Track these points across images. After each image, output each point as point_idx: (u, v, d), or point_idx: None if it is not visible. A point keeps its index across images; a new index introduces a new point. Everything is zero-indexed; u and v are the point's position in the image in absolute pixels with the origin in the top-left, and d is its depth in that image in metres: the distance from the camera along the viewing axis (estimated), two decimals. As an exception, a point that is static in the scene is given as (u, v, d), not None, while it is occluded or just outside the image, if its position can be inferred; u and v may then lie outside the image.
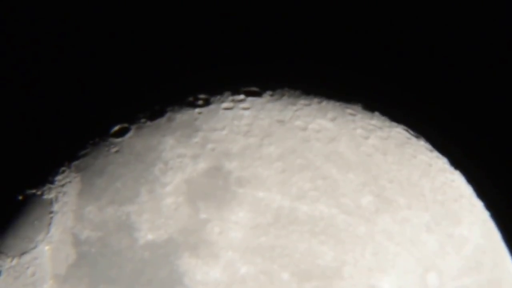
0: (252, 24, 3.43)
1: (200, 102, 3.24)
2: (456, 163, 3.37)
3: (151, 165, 3.06)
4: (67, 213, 3.03)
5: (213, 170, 3.04)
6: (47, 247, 3.01)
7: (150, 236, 2.91)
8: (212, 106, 3.23)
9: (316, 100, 3.32)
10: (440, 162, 3.36)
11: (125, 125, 3.20)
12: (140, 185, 3.02)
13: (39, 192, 3.13)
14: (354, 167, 3.10)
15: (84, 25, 3.37)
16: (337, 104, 3.33)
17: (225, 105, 3.25)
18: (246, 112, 3.22)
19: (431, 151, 3.38)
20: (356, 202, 3.01)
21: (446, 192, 3.24)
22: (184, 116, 3.20)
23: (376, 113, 3.39)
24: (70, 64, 3.29)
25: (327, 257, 2.88)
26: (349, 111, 3.34)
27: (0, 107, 3.24)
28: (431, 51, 3.77)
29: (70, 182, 3.11)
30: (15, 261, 3.05)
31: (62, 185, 3.11)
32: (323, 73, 3.38)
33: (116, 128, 3.20)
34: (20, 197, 3.14)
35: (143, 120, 3.19)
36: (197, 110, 3.22)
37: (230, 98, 3.26)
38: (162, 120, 3.19)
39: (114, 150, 3.14)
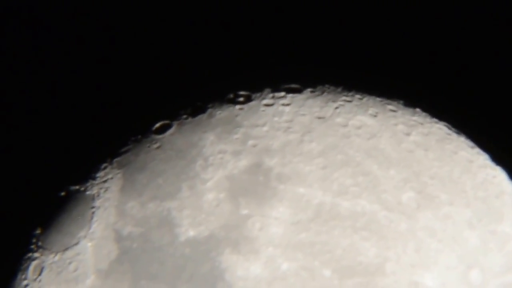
0: (293, 22, 3.44)
1: (241, 98, 3.26)
2: (498, 159, 3.34)
3: (192, 161, 3.08)
4: (109, 209, 3.06)
5: (254, 166, 3.04)
6: (89, 243, 3.04)
7: (191, 232, 2.93)
8: (252, 103, 3.25)
9: (357, 96, 3.32)
10: (481, 158, 3.34)
11: (167, 121, 3.22)
12: (181, 181, 3.04)
13: (81, 188, 3.17)
14: (395, 163, 3.09)
15: (127, 26, 3.40)
16: (378, 100, 3.33)
17: (265, 101, 3.26)
18: (287, 109, 3.22)
19: (472, 147, 3.36)
20: (398, 198, 3.00)
21: (488, 188, 3.21)
22: (225, 112, 3.22)
23: (417, 109, 3.38)
24: (112, 62, 3.33)
25: (369, 253, 2.87)
26: (390, 107, 3.33)
27: (44, 106, 3.28)
28: (473, 48, 3.75)
29: (112, 178, 3.14)
30: (58, 257, 3.08)
31: (104, 181, 3.14)
32: (364, 69, 3.38)
33: (158, 124, 3.23)
34: (63, 193, 3.18)
35: (184, 116, 3.21)
36: (238, 106, 3.24)
37: (271, 94, 3.27)
38: (203, 117, 3.22)
39: (155, 146, 3.17)
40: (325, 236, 2.88)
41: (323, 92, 3.30)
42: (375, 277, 2.83)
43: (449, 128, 3.39)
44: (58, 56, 3.41)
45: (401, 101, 3.36)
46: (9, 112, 3.41)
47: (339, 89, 3.32)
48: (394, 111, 3.33)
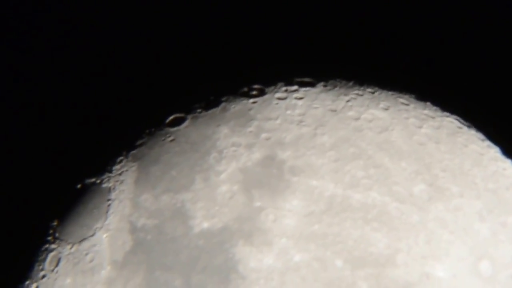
0: (307, 17, 3.46)
1: (254, 92, 3.29)
2: (508, 152, 3.36)
3: (206, 154, 3.11)
4: (124, 201, 3.10)
5: (267, 159, 3.08)
6: (105, 235, 3.07)
7: (205, 224, 2.96)
8: (266, 96, 3.28)
9: (368, 90, 3.34)
10: (492, 151, 3.35)
11: (181, 114, 3.26)
12: (195, 173, 3.07)
13: (97, 181, 3.20)
14: (407, 155, 3.12)
15: (142, 21, 3.43)
16: (390, 94, 3.36)
17: (278, 95, 3.29)
18: (300, 102, 3.26)
19: (482, 140, 3.38)
20: (409, 190, 3.02)
21: (498, 180, 3.23)
22: (238, 106, 3.25)
23: (428, 103, 3.41)
24: (126, 57, 3.36)
25: (380, 244, 2.90)
26: (401, 100, 3.36)
27: (60, 100, 3.31)
28: (483, 43, 3.76)
29: (127, 170, 3.18)
30: (74, 248, 3.12)
31: (120, 174, 3.18)
32: (375, 64, 3.40)
33: (172, 117, 3.26)
34: (79, 186, 3.22)
35: (198, 110, 3.25)
36: (251, 100, 3.27)
37: (284, 88, 3.30)
38: (217, 110, 3.25)
39: (169, 139, 3.21)
40: (337, 228, 2.91)
41: (335, 86, 3.33)
42: (386, 268, 2.85)
43: (460, 122, 3.41)
44: (73, 51, 3.44)
45: (413, 95, 3.38)
46: (26, 106, 3.46)
47: (351, 83, 3.34)
48: (405, 104, 3.35)
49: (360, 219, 2.93)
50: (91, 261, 3.06)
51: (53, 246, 3.21)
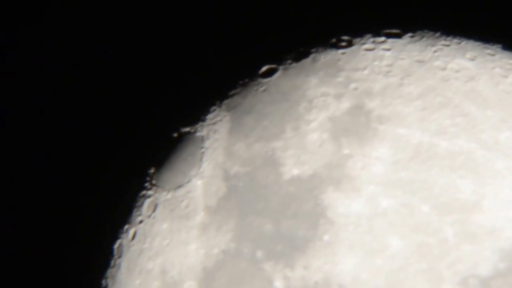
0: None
1: (343, 43, 3.35)
2: None
3: (296, 104, 3.19)
4: (218, 149, 3.20)
5: (355, 108, 3.14)
6: (199, 181, 3.18)
7: (295, 171, 3.04)
8: (354, 47, 3.33)
9: (455, 40, 3.38)
10: None
11: (273, 65, 3.33)
12: (285, 122, 3.15)
13: (192, 130, 3.31)
14: (493, 104, 3.14)
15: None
16: (476, 44, 3.38)
17: (366, 46, 3.34)
18: (387, 53, 3.30)
19: None
20: (495, 138, 3.04)
21: None
22: (327, 57, 3.31)
23: (515, 53, 3.43)
24: (223, 10, 3.44)
25: (466, 190, 2.92)
26: (488, 51, 3.38)
27: (158, 54, 3.42)
28: None
29: (220, 120, 3.27)
30: (170, 195, 3.24)
31: (214, 123, 3.28)
32: (462, 14, 3.42)
33: (264, 68, 3.34)
34: (175, 135, 3.33)
35: (289, 61, 3.32)
36: (340, 51, 3.33)
37: (372, 39, 3.35)
38: (307, 61, 3.31)
39: (262, 89, 3.29)
40: (423, 175, 2.94)
41: (422, 37, 3.36)
42: (472, 213, 2.87)
43: (545, 71, 3.43)
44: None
45: (499, 45, 3.40)
46: (125, 58, 3.58)
47: (438, 34, 3.38)
48: (491, 54, 3.37)
49: (446, 166, 2.96)
50: (186, 207, 3.17)
51: (150, 192, 3.34)
